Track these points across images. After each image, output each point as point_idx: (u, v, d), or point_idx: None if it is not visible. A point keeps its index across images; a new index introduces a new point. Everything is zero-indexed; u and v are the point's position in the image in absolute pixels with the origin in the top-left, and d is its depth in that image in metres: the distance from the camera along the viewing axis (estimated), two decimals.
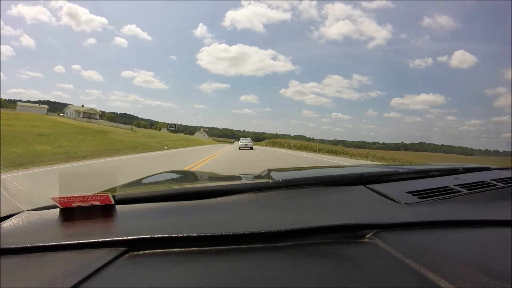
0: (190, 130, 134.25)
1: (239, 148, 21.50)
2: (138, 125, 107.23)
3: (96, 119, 58.76)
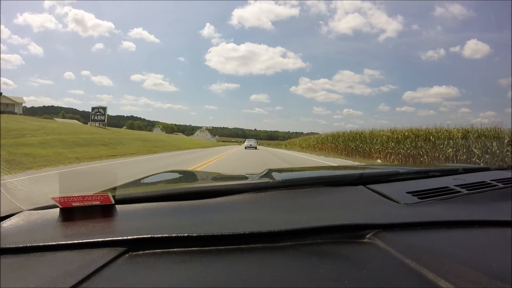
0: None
1: (245, 148, 26.07)
2: (131, 126, 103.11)
3: (14, 112, 37.89)
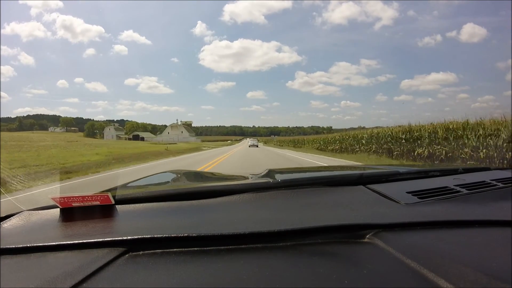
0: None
1: (249, 146, 28.88)
2: (92, 127, 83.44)
3: None
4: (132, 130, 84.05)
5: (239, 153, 16.58)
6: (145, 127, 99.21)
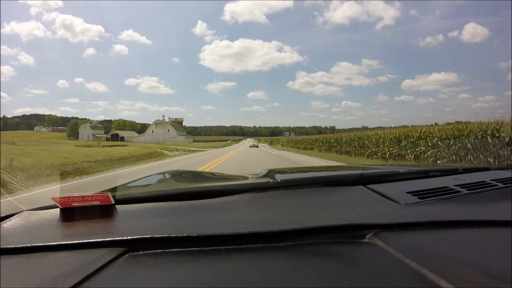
0: (188, 131, 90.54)
1: (250, 147, 29.76)
2: (75, 126, 70.91)
3: None
4: (118, 129, 72.23)
5: (229, 167, 9.39)
6: (133, 126, 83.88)
